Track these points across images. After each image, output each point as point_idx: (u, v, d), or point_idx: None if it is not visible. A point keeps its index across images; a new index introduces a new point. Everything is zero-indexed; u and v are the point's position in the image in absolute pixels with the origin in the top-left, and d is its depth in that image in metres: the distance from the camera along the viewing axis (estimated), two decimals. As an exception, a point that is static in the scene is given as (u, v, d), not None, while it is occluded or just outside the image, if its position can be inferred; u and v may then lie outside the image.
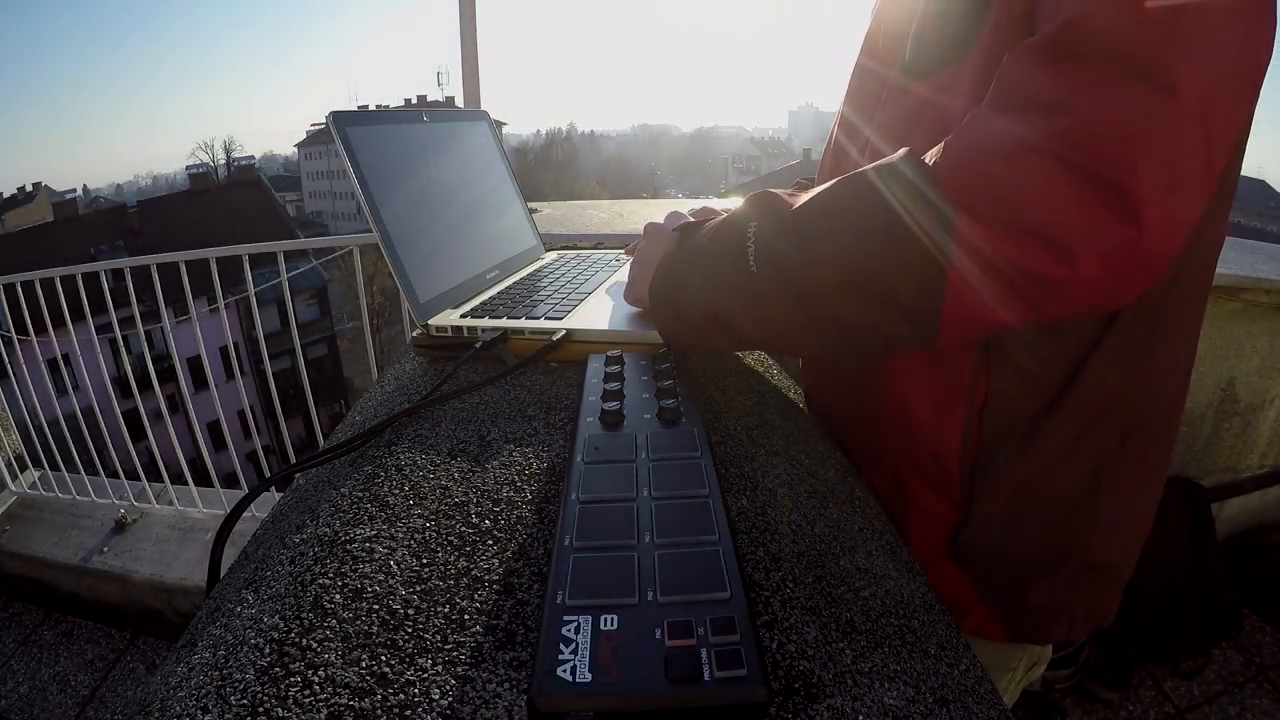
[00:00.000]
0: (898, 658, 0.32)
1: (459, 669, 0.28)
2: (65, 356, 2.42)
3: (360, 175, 0.60)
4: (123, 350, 2.26)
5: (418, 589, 0.32)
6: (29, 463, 2.50)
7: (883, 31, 0.58)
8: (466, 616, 0.31)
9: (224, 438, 2.24)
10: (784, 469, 0.46)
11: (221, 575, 0.40)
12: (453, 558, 0.35)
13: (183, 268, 1.98)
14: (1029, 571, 0.54)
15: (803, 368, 0.72)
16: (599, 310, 0.62)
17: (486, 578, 0.33)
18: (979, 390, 0.50)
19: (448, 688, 0.27)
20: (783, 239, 0.42)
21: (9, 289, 2.26)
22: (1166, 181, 0.32)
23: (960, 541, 0.54)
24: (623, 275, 0.71)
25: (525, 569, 0.34)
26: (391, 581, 0.33)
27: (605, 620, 0.26)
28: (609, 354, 0.51)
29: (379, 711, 0.26)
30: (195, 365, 2.27)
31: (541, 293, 0.69)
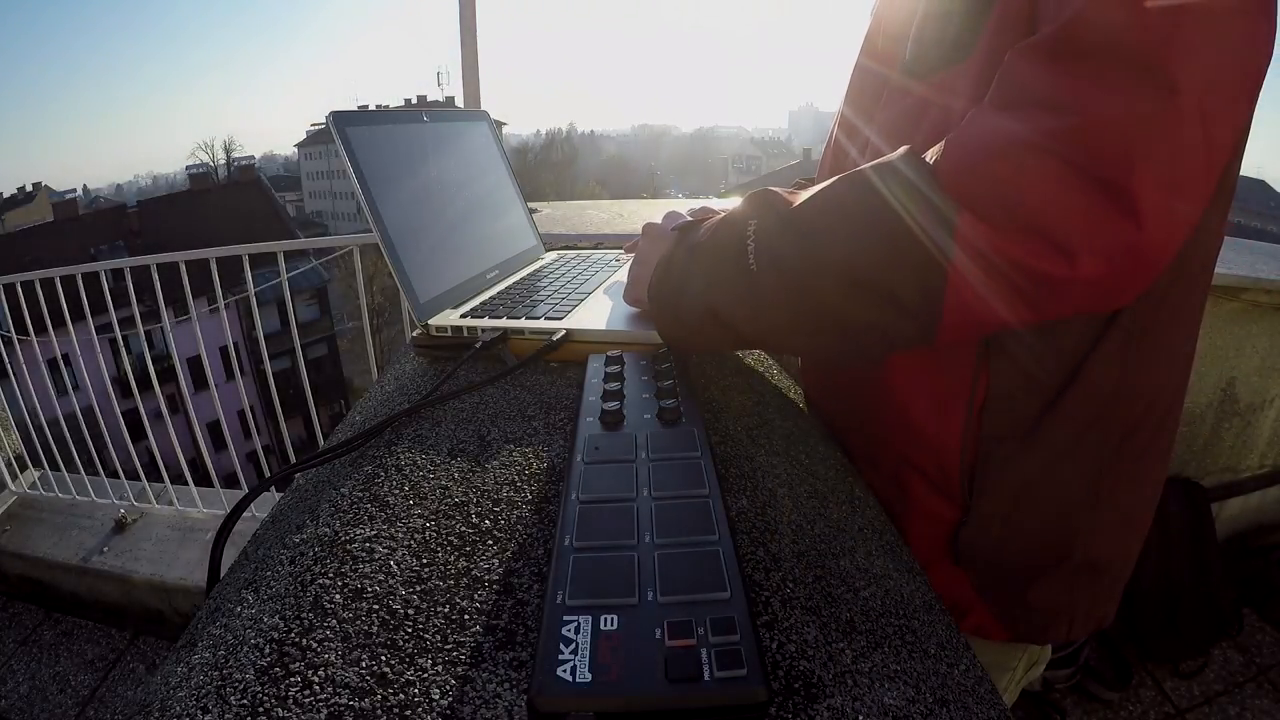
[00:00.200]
0: (898, 658, 0.32)
1: (459, 669, 0.28)
2: (65, 356, 2.42)
3: (360, 175, 0.60)
4: (123, 350, 2.26)
5: (418, 589, 0.32)
6: (29, 463, 2.50)
7: (883, 31, 0.58)
8: (466, 616, 0.31)
9: (224, 438, 2.24)
10: (784, 469, 0.46)
11: (221, 575, 0.40)
12: (453, 558, 0.35)
13: (183, 268, 1.98)
14: (1029, 571, 0.54)
15: (802, 368, 0.72)
16: (599, 310, 0.62)
17: (486, 578, 0.33)
18: (979, 390, 0.50)
19: (448, 688, 0.27)
20: (783, 237, 0.42)
21: (9, 289, 2.26)
22: (1166, 180, 0.32)
23: (960, 541, 0.54)
24: (622, 275, 0.71)
25: (525, 569, 0.34)
26: (391, 581, 0.33)
27: (605, 620, 0.26)
28: (609, 354, 0.51)
29: (379, 711, 0.26)
30: (195, 365, 2.27)
31: (541, 293, 0.69)
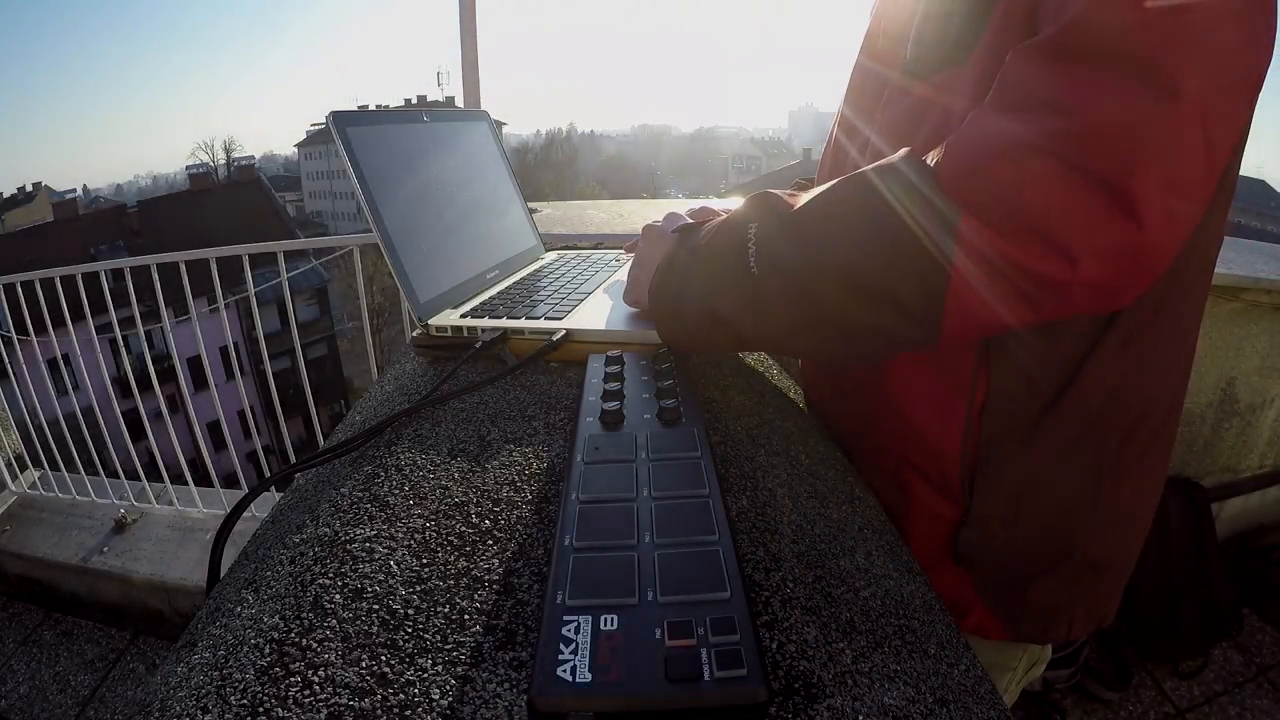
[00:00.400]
0: (898, 658, 0.32)
1: (459, 669, 0.28)
2: (65, 356, 2.42)
3: (360, 175, 0.60)
4: (123, 350, 2.26)
5: (418, 589, 0.32)
6: (29, 463, 2.50)
7: (883, 31, 0.58)
8: (466, 616, 0.31)
9: (224, 438, 2.24)
10: (784, 469, 0.46)
11: (221, 575, 0.40)
12: (453, 558, 0.35)
13: (183, 268, 1.98)
14: (1029, 571, 0.54)
15: (802, 368, 0.72)
16: (599, 310, 0.62)
17: (486, 578, 0.33)
18: (979, 390, 0.50)
19: (448, 688, 0.27)
20: (783, 240, 0.42)
21: (9, 289, 2.26)
22: (1167, 181, 0.32)
23: (960, 541, 0.54)
24: (622, 275, 0.71)
25: (525, 569, 0.34)
26: (391, 581, 0.33)
27: (605, 620, 0.26)
28: (609, 354, 0.51)
29: (379, 711, 0.26)
30: (195, 365, 2.27)
31: (541, 293, 0.69)
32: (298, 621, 0.31)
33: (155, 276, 2.04)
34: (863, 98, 0.60)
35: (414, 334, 0.64)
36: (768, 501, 0.41)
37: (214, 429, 2.37)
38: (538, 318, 0.61)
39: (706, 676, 0.24)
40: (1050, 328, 0.47)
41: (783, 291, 0.42)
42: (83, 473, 2.35)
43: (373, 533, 0.36)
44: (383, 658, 0.29)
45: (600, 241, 1.13)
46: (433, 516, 0.38)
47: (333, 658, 0.29)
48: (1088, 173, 0.33)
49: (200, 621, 0.34)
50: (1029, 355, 0.49)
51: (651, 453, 0.38)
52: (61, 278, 2.17)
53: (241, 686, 0.28)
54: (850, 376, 0.61)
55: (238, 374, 2.23)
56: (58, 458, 2.37)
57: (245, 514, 0.45)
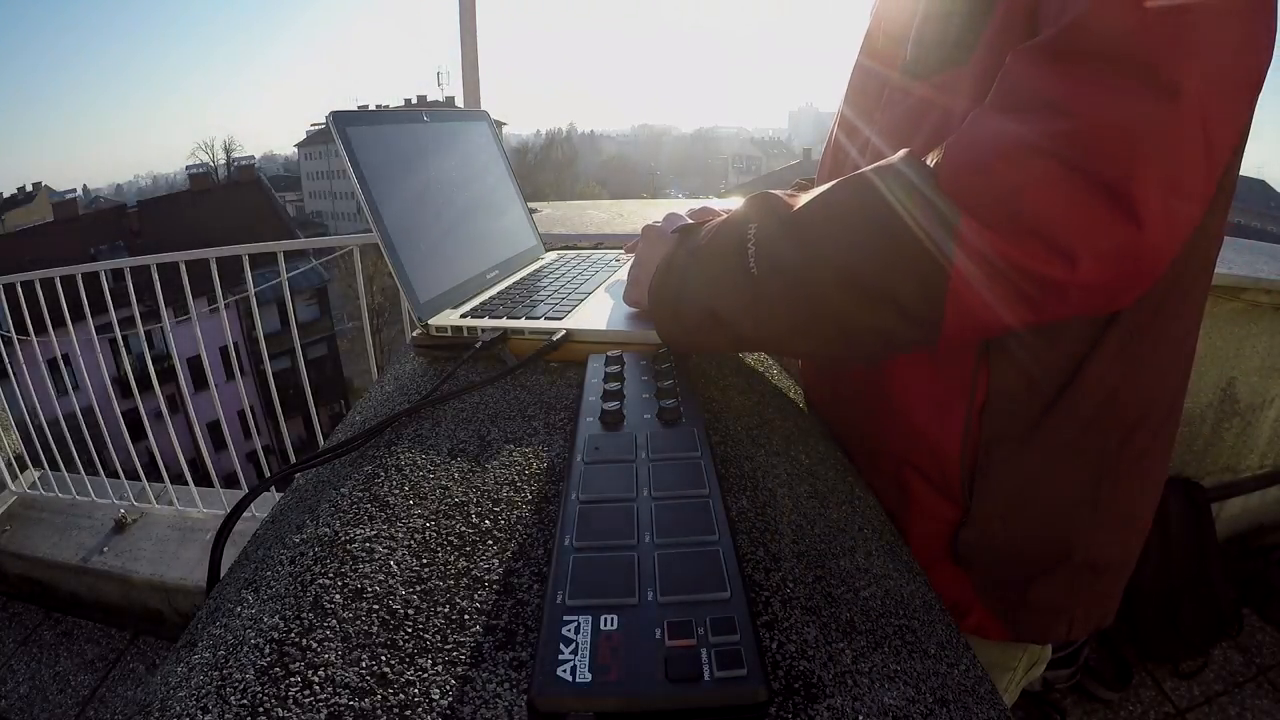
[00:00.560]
0: (898, 658, 0.32)
1: (459, 669, 0.28)
2: (65, 356, 2.42)
3: (360, 175, 0.60)
4: (123, 350, 2.26)
5: (418, 589, 0.32)
6: (29, 463, 2.50)
7: (883, 32, 0.58)
8: (466, 616, 0.31)
9: (224, 438, 2.24)
10: (784, 469, 0.46)
11: (221, 575, 0.40)
12: (453, 558, 0.35)
13: (183, 268, 1.98)
14: (1029, 571, 0.54)
15: (803, 368, 0.72)
16: (599, 310, 0.62)
17: (486, 578, 0.33)
18: (979, 390, 0.50)
19: (448, 688, 0.27)
20: (783, 240, 0.42)
21: (9, 289, 2.26)
22: (1166, 182, 0.32)
23: (960, 541, 0.54)
24: (622, 275, 0.71)
25: (525, 569, 0.34)
26: (391, 581, 0.33)
27: (605, 620, 0.26)
28: (609, 354, 0.51)
29: (379, 711, 0.26)
30: (195, 365, 2.27)
31: (541, 293, 0.69)
32: (298, 621, 0.31)
33: (155, 276, 2.04)
34: (863, 98, 0.60)
35: (414, 334, 0.64)
36: (768, 501, 0.41)
37: (214, 429, 2.37)
38: (538, 318, 0.61)
39: (706, 676, 0.24)
40: (1050, 328, 0.47)
41: (782, 292, 0.42)
42: (83, 473, 2.35)
43: (373, 533, 0.36)
44: (383, 658, 0.29)
45: (600, 241, 1.13)
46: (433, 516, 0.38)
47: (333, 658, 0.29)
48: (1088, 174, 0.33)
49: (200, 621, 0.34)
50: (1029, 355, 0.49)
51: (651, 453, 0.38)
52: (61, 278, 2.17)
53: (241, 686, 0.28)
54: (850, 377, 0.61)
55: (238, 374, 2.23)
56: (58, 458, 2.37)
57: (245, 514, 0.45)
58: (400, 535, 0.36)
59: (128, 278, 2.22)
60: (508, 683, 0.28)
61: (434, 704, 0.27)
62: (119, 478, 2.33)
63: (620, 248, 0.89)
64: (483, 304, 0.67)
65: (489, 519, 0.38)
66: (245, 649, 0.30)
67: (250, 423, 2.31)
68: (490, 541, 0.36)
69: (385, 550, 0.35)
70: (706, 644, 0.25)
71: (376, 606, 0.31)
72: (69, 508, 2.34)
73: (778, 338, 0.46)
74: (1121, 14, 0.33)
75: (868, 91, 0.59)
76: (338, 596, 0.32)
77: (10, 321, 2.31)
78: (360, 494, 0.40)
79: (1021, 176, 0.34)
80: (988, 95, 0.38)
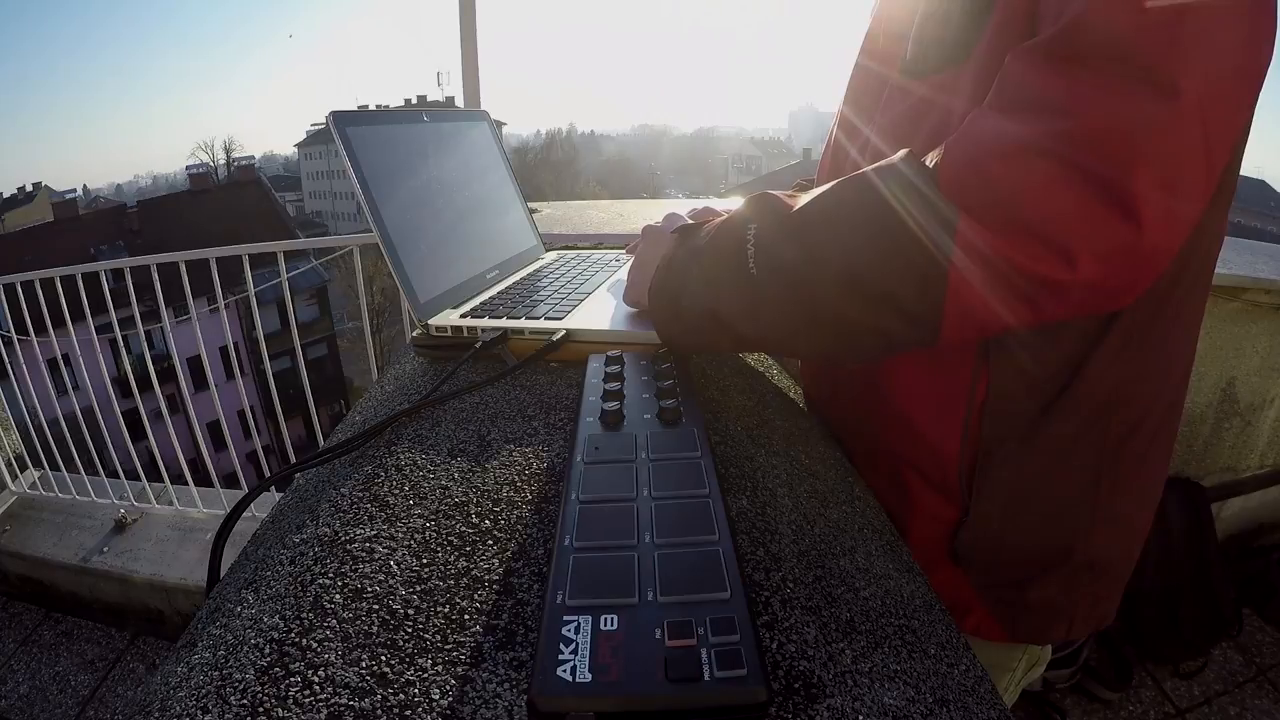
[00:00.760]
0: (898, 658, 0.32)
1: (459, 669, 0.28)
2: (65, 356, 2.42)
3: (360, 175, 0.60)
4: (123, 350, 2.26)
5: (418, 589, 0.32)
6: (29, 463, 2.50)
7: (883, 31, 0.58)
8: (466, 616, 0.31)
9: (224, 438, 2.24)
10: (784, 469, 0.46)
11: (221, 575, 0.40)
12: (453, 558, 0.35)
13: (183, 268, 1.98)
14: (1028, 571, 0.54)
15: (803, 368, 0.72)
16: (599, 310, 0.62)
17: (486, 578, 0.33)
18: (978, 390, 0.50)
19: (448, 688, 0.27)
20: (783, 240, 0.42)
21: (9, 289, 2.26)
22: (1165, 182, 0.32)
23: (959, 541, 0.54)
24: (622, 275, 0.71)
25: (525, 569, 0.34)
26: (391, 581, 0.33)
27: (605, 620, 0.26)
28: (609, 354, 0.51)
29: (379, 711, 0.26)
30: (195, 365, 2.27)
31: (541, 293, 0.69)
32: (298, 621, 0.31)
33: (155, 276, 2.04)
34: (863, 98, 0.60)
35: (414, 334, 0.64)
36: (768, 501, 0.41)
37: (214, 429, 2.37)
38: (538, 318, 0.61)
39: (706, 676, 0.24)
40: (1050, 328, 0.47)
41: (782, 292, 0.42)
42: (83, 473, 2.35)
43: (373, 533, 0.36)
44: (383, 658, 0.29)
45: (600, 241, 1.13)
46: (433, 516, 0.38)
47: (333, 658, 0.29)
48: (1087, 173, 0.33)
49: (200, 621, 0.34)
50: (1029, 355, 0.49)
51: (651, 453, 0.38)
52: (61, 278, 2.17)
53: (241, 686, 0.28)
54: (850, 377, 0.61)
55: (238, 374, 2.22)
56: (58, 458, 2.37)
57: (245, 514, 0.45)
58: (400, 535, 0.36)
59: (128, 278, 2.22)
60: (508, 683, 0.28)
61: (434, 704, 0.27)
62: (119, 478, 2.34)
63: (620, 248, 0.89)
64: (483, 304, 0.67)
65: (489, 519, 0.38)
66: (245, 649, 0.30)
67: (250, 423, 2.31)
68: (490, 541, 0.36)
69: (385, 550, 0.35)
70: (706, 644, 0.25)
71: (376, 606, 0.31)
72: (69, 508, 2.34)
73: (777, 338, 0.46)
74: (1120, 13, 0.33)
75: (868, 91, 0.59)
76: (338, 596, 0.32)
77: (10, 321, 2.31)
78: (360, 494, 0.40)
79: (1020, 176, 0.34)
80: (987, 95, 0.38)
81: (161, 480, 2.30)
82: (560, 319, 0.60)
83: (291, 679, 0.28)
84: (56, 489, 2.36)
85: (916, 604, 0.38)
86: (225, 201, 19.99)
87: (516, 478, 0.41)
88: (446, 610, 0.31)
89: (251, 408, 2.33)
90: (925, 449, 0.54)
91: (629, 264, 0.62)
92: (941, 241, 0.36)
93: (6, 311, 2.27)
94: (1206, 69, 0.32)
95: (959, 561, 0.55)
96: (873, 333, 0.41)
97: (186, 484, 2.30)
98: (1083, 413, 0.49)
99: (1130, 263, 0.34)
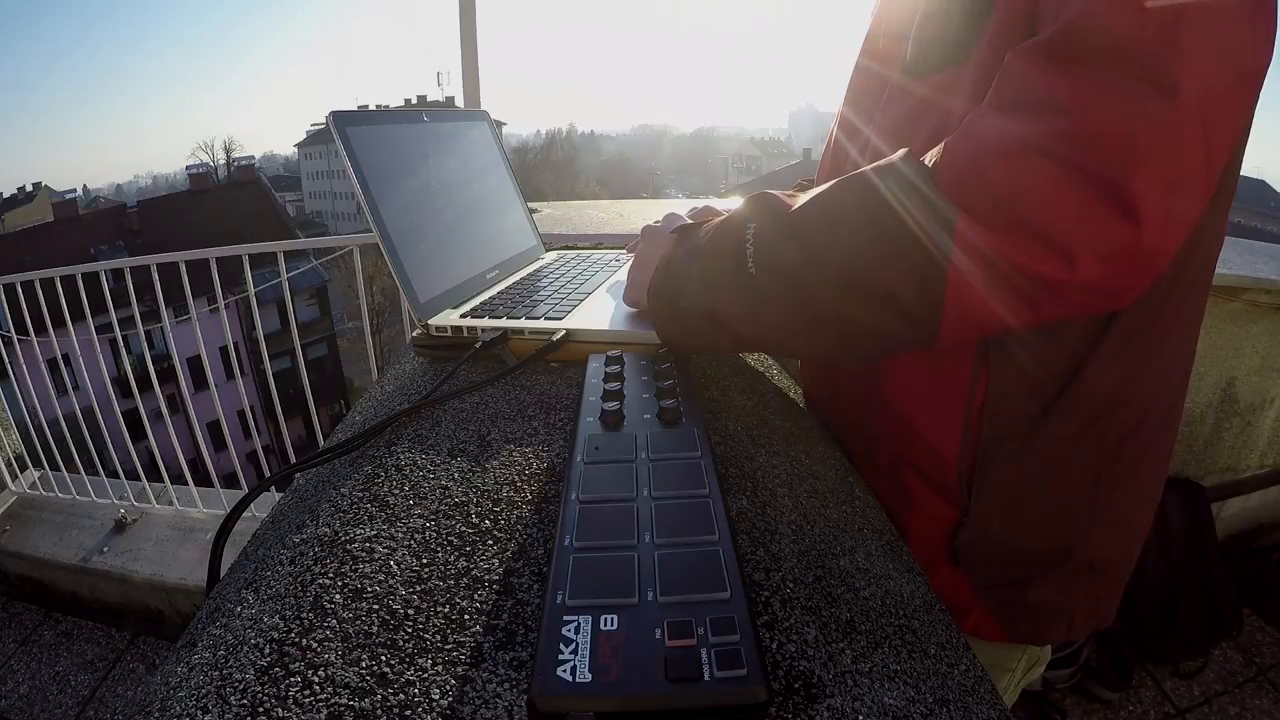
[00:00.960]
0: (898, 658, 0.32)
1: (459, 669, 0.28)
2: (65, 356, 2.42)
3: (360, 175, 0.60)
4: (123, 350, 2.26)
5: (418, 589, 0.32)
6: (29, 463, 2.50)
7: (883, 31, 0.58)
8: (466, 616, 0.31)
9: (224, 438, 2.24)
10: (784, 469, 0.46)
11: (221, 575, 0.40)
12: (453, 558, 0.35)
13: (183, 268, 1.98)
14: (1028, 571, 0.54)
15: (802, 368, 0.72)
16: (599, 310, 0.62)
17: (486, 578, 0.33)
18: (978, 390, 0.50)
19: (448, 688, 0.27)
20: (782, 240, 0.42)
21: (9, 289, 2.26)
22: (1165, 181, 0.32)
23: (959, 541, 0.54)
24: (622, 275, 0.71)
25: (525, 569, 0.34)
26: (391, 581, 0.33)
27: (605, 620, 0.26)
28: (609, 354, 0.51)
29: (379, 711, 0.26)
30: (195, 365, 2.27)
31: (541, 293, 0.69)
32: (298, 621, 0.31)
33: (155, 276, 2.04)
34: (863, 98, 0.60)
35: (414, 334, 0.64)
36: (768, 501, 0.41)
37: (214, 429, 2.37)
38: (538, 318, 0.61)
39: (706, 676, 0.24)
40: (1050, 328, 0.47)
41: (781, 292, 0.42)
42: (83, 473, 2.35)
43: (373, 533, 0.36)
44: (383, 658, 0.29)
45: (600, 241, 1.13)
46: (433, 516, 0.38)
47: (333, 658, 0.29)
48: (1086, 173, 0.33)
49: (200, 621, 0.34)
50: (1029, 355, 0.49)
51: (651, 453, 0.38)
52: (61, 278, 2.17)
53: (241, 686, 0.28)
54: (850, 377, 0.61)
55: (238, 374, 2.22)
56: (58, 458, 2.37)
57: (245, 514, 0.45)
58: (400, 535, 0.36)
59: (128, 278, 2.22)
60: (508, 683, 0.28)
61: (434, 704, 0.27)
62: (119, 478, 2.34)
63: (620, 248, 0.89)
64: (483, 304, 0.67)
65: (489, 519, 0.38)
66: (245, 649, 0.30)
67: (250, 423, 2.31)
68: (490, 541, 0.36)
69: (385, 550, 0.35)
70: (706, 644, 0.25)
71: (376, 606, 0.31)
72: (69, 508, 2.34)
73: (776, 337, 0.46)
74: (1120, 13, 0.33)
75: (868, 91, 0.59)
76: (338, 596, 0.32)
77: (10, 321, 2.31)
78: (360, 494, 0.40)
79: (1020, 176, 0.34)
80: (987, 94, 0.38)
81: (161, 480, 2.30)
82: (560, 319, 0.60)
83: (291, 679, 0.28)
84: (56, 489, 2.36)
85: (916, 604, 0.38)
86: (225, 201, 19.98)
87: (516, 478, 0.41)
88: (446, 610, 0.31)
89: (251, 408, 2.33)
90: (925, 449, 0.54)
91: (629, 264, 0.62)
92: (941, 241, 0.36)
93: (6, 311, 2.27)
94: (1206, 69, 0.32)
95: (959, 562, 0.55)
96: (872, 332, 0.41)
97: (186, 484, 2.30)
98: (1082, 413, 0.49)
99: (1130, 263, 0.34)
